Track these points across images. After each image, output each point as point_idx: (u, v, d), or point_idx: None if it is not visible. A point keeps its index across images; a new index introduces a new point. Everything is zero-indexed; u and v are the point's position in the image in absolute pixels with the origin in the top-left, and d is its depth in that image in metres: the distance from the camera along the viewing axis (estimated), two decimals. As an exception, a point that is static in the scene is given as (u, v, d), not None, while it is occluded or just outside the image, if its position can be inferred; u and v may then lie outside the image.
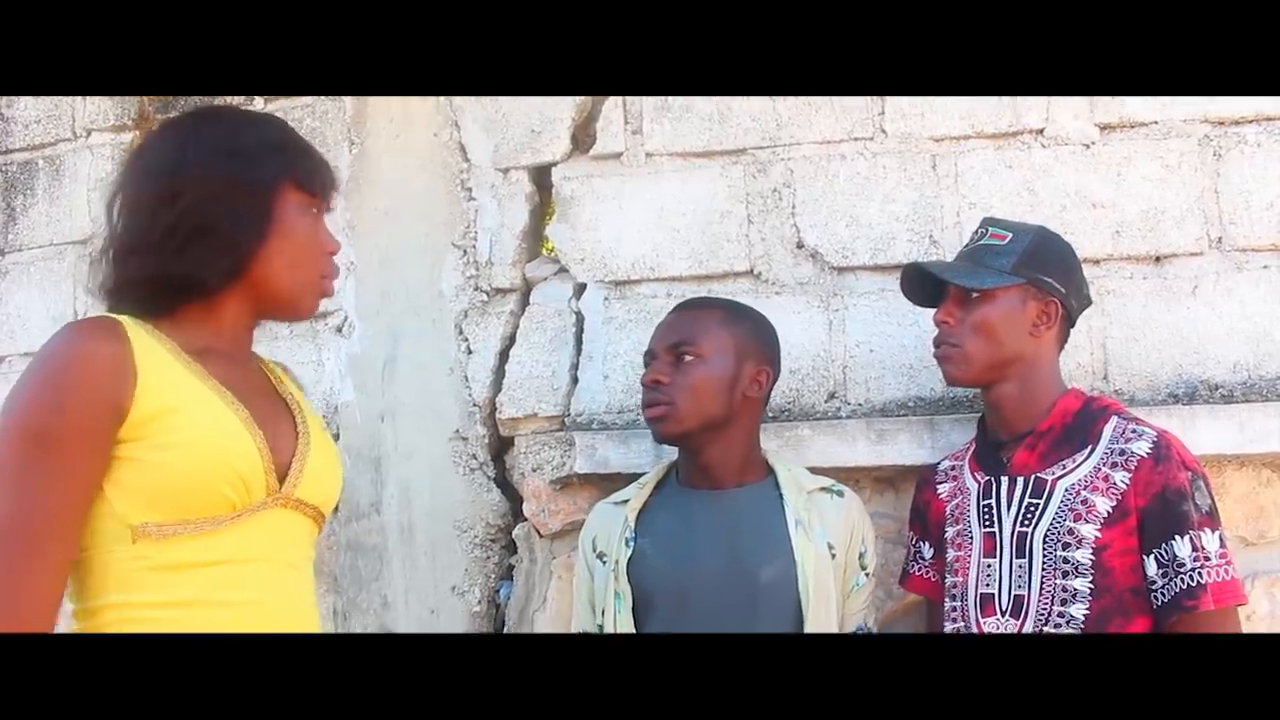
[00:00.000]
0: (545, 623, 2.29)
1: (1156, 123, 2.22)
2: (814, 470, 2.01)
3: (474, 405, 2.41)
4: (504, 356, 2.41)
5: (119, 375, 1.25)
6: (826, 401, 2.26)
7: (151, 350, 1.30)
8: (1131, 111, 2.23)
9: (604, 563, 1.90)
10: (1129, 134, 2.23)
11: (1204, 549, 1.66)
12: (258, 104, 2.66)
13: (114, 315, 1.33)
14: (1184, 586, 1.65)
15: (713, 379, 1.85)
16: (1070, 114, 2.24)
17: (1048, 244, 1.87)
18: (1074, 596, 1.70)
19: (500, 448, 2.42)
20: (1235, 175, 2.19)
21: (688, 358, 1.86)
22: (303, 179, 1.42)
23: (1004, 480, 1.81)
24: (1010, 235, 1.85)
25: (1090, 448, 1.77)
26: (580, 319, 2.39)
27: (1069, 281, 1.85)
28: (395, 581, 2.41)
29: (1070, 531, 1.72)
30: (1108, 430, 1.77)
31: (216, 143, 1.39)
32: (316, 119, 2.59)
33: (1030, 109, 2.25)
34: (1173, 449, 1.73)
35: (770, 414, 2.24)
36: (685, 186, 2.37)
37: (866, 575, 1.92)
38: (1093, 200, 2.21)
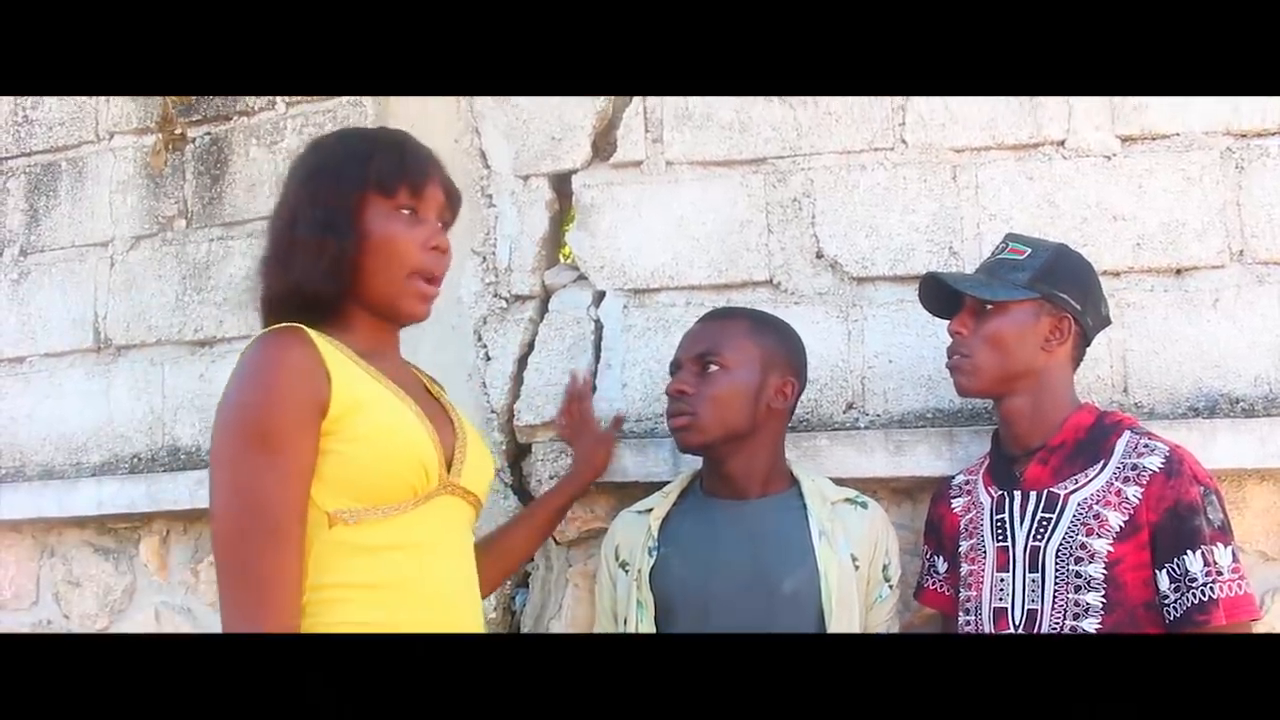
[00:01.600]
0: (561, 631, 2.30)
1: (1178, 135, 2.22)
2: (831, 481, 2.01)
3: (492, 412, 2.41)
4: (522, 363, 2.42)
5: (318, 375, 1.37)
6: (845, 412, 2.26)
7: (333, 352, 1.41)
8: (1153, 123, 2.22)
9: (626, 572, 1.90)
10: (1150, 146, 2.23)
11: (1216, 564, 1.67)
12: (279, 107, 2.68)
13: (295, 324, 1.43)
14: (1195, 601, 1.66)
15: (737, 390, 1.85)
16: (1091, 125, 2.23)
17: (1065, 261, 1.87)
18: (1086, 611, 1.71)
19: (518, 455, 2.42)
20: (1257, 188, 2.18)
21: (713, 368, 1.86)
22: (381, 184, 1.48)
23: (1017, 495, 1.82)
24: (1029, 250, 1.86)
25: (1103, 463, 1.77)
26: (599, 327, 2.39)
27: (1085, 299, 1.85)
28: (412, 586, 2.41)
29: (1082, 546, 1.72)
30: (1120, 445, 1.78)
31: (310, 166, 1.52)
32: (337, 124, 2.59)
33: (1051, 120, 2.25)
34: (1185, 464, 1.73)
35: (789, 424, 2.24)
36: (705, 195, 2.37)
37: (890, 587, 1.91)
38: (1114, 212, 2.21)
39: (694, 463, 2.02)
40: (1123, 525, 1.71)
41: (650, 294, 2.37)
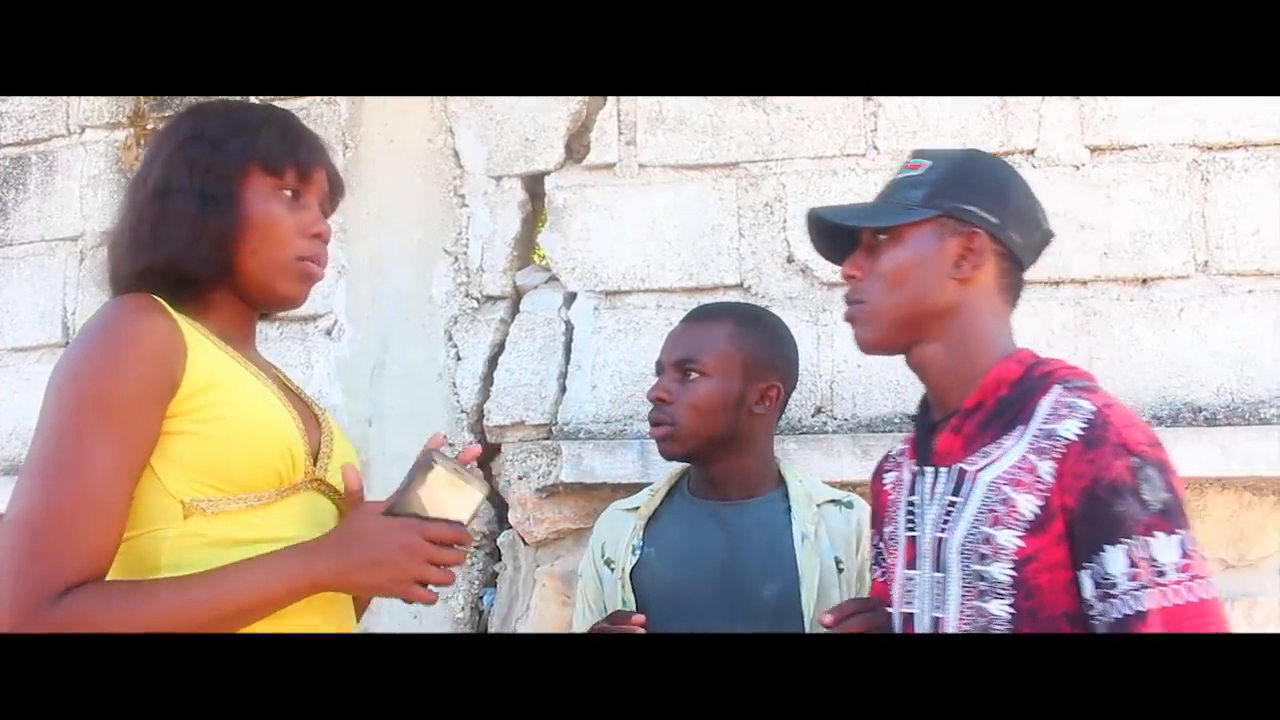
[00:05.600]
0: (528, 630, 2.30)
1: (1146, 146, 2.24)
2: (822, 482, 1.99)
3: (462, 412, 2.42)
4: (493, 364, 2.42)
5: (173, 346, 1.24)
6: (813, 416, 2.27)
7: (190, 329, 1.29)
8: (1121, 134, 2.25)
9: (612, 569, 1.87)
10: (1119, 156, 2.25)
11: (1151, 560, 1.21)
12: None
13: (148, 294, 1.30)
14: (1120, 615, 1.23)
15: (716, 397, 1.81)
16: (1061, 135, 2.26)
17: (972, 165, 1.46)
18: (991, 623, 1.31)
19: (487, 455, 2.42)
20: (1222, 200, 2.21)
21: (693, 375, 1.82)
22: (267, 161, 1.36)
23: (929, 471, 1.42)
24: (929, 163, 1.46)
25: (1022, 429, 1.33)
26: (570, 328, 2.40)
27: (1003, 209, 1.41)
28: (379, 586, 2.41)
29: (987, 539, 1.31)
30: (1044, 405, 1.33)
31: (188, 131, 1.37)
32: (311, 122, 2.57)
33: (1022, 129, 2.27)
34: (1111, 428, 1.27)
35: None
36: (677, 198, 2.38)
37: None
38: (1081, 221, 2.23)
39: (663, 466, 2.02)
40: (1037, 512, 1.28)
41: (621, 296, 2.38)
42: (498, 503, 2.39)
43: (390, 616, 2.39)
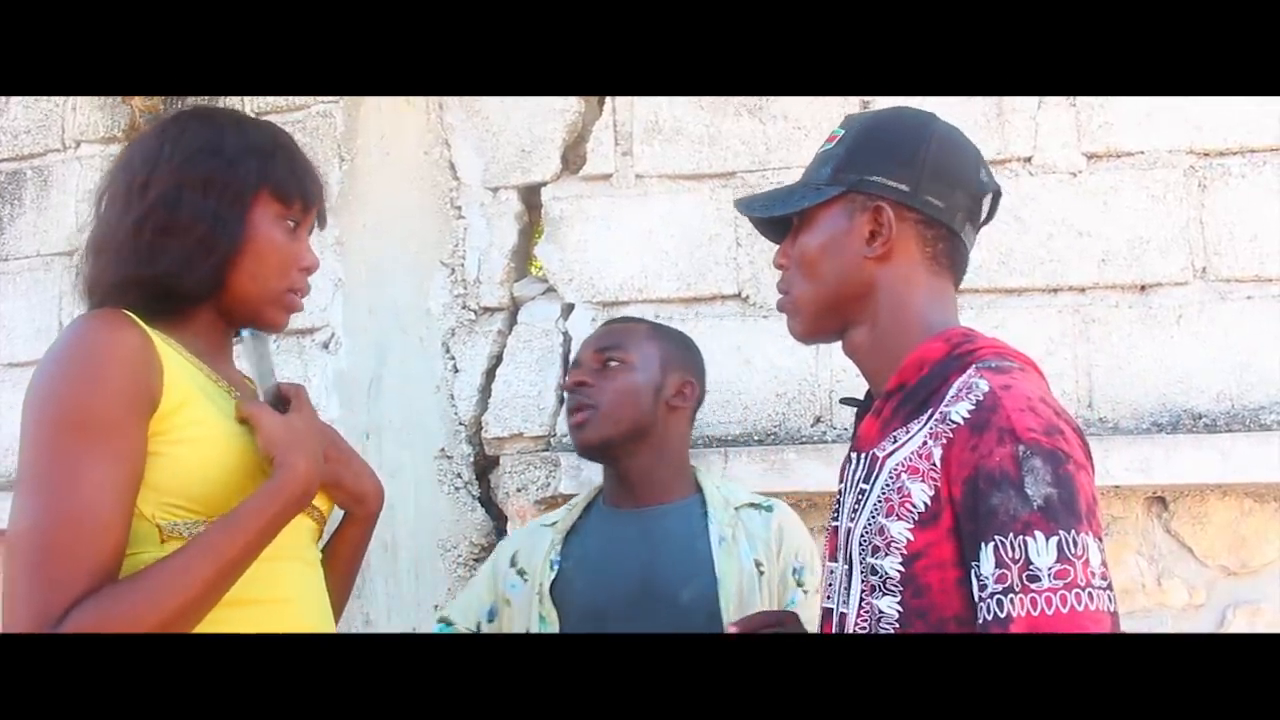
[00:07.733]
0: (528, 643, 2.29)
1: (1143, 153, 2.24)
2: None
3: (460, 424, 2.41)
4: (490, 375, 2.41)
5: (150, 363, 1.21)
6: (812, 425, 2.26)
7: (164, 346, 1.26)
8: (1118, 141, 2.25)
9: (525, 579, 1.86)
10: (1116, 163, 2.25)
11: (1026, 562, 1.08)
12: (249, 108, 2.66)
13: (119, 309, 1.26)
14: (982, 620, 1.10)
15: (638, 384, 1.84)
16: (1058, 142, 2.26)
17: (881, 129, 1.33)
18: (879, 620, 1.20)
19: (485, 467, 2.41)
20: (1220, 206, 2.21)
21: (613, 363, 1.85)
22: (280, 188, 1.35)
23: (853, 458, 1.32)
24: (842, 133, 1.34)
25: (931, 412, 1.21)
26: (567, 339, 2.39)
27: (916, 171, 1.28)
28: (378, 599, 2.41)
29: (881, 530, 1.20)
30: (954, 386, 1.20)
31: (200, 141, 1.34)
32: (307, 134, 2.59)
33: (1019, 136, 2.27)
34: (999, 411, 1.14)
35: (756, 438, 2.24)
36: (674, 208, 2.38)
37: (805, 593, 1.81)
38: (1079, 228, 2.23)
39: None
40: (928, 503, 1.17)
41: (619, 307, 2.37)
42: (496, 515, 2.38)
43: (390, 628, 2.38)
